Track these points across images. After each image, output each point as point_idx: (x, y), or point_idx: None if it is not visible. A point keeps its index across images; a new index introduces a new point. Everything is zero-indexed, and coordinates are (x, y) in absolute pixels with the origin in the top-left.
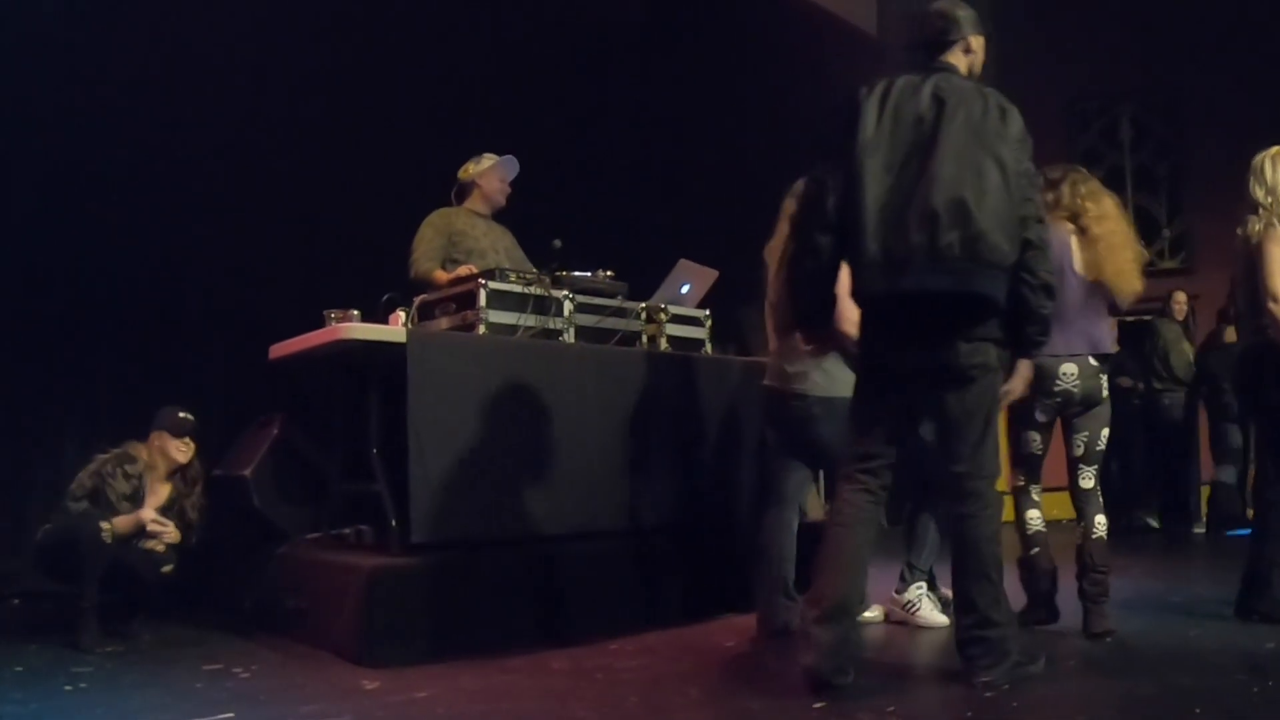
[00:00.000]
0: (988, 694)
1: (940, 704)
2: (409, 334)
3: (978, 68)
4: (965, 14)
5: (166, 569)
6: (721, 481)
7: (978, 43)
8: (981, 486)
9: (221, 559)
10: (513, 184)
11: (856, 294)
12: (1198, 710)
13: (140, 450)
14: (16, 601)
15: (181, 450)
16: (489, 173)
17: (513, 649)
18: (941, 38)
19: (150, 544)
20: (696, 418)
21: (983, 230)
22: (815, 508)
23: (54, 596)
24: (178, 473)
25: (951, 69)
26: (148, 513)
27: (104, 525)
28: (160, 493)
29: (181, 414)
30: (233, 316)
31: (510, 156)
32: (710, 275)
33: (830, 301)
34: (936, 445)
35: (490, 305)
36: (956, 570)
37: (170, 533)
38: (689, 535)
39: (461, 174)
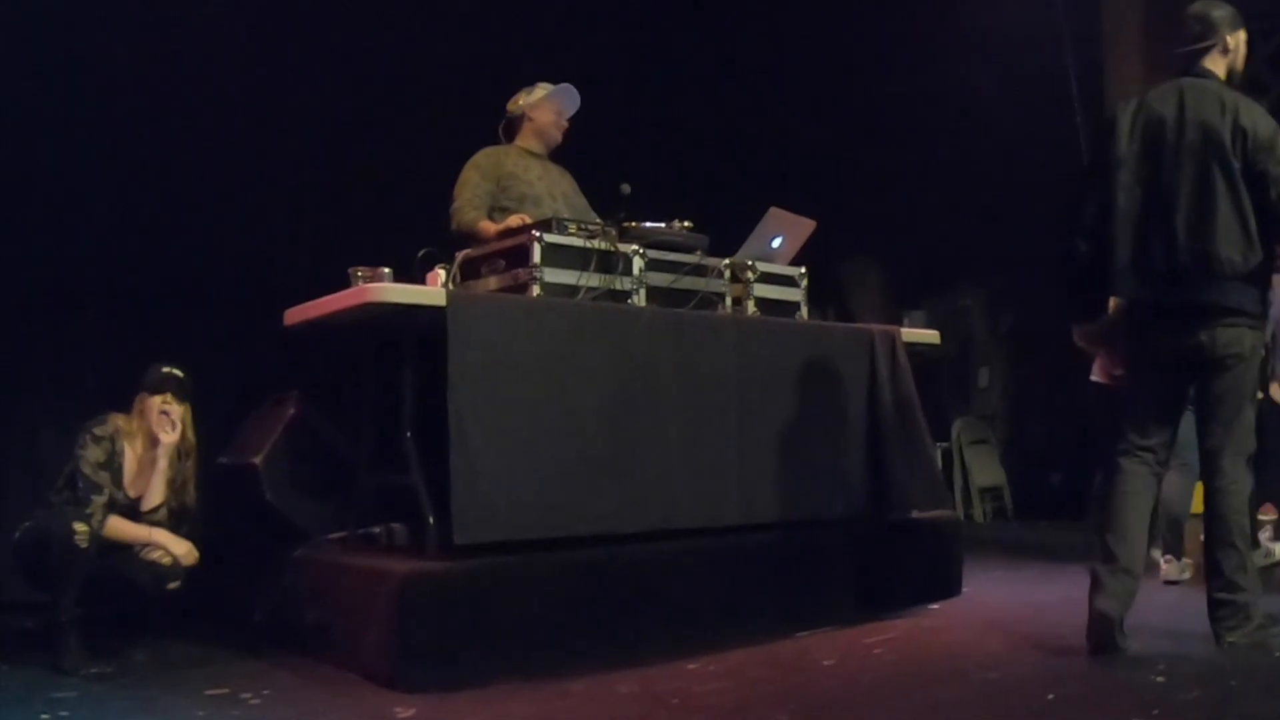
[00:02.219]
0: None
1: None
2: (450, 296)
3: (1239, 65)
4: (1221, 13)
5: (173, 585)
6: (823, 472)
7: (1236, 40)
8: (1233, 462)
9: (227, 562)
10: (573, 119)
11: (1115, 295)
12: None
13: (118, 417)
14: None
15: (164, 410)
16: (542, 104)
17: (572, 670)
18: (1198, 42)
19: (155, 554)
20: (791, 397)
21: (1213, 247)
22: None
23: (35, 608)
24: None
25: (1206, 74)
26: (160, 533)
27: (77, 526)
28: (148, 467)
29: (164, 369)
30: (240, 276)
31: (568, 86)
32: (806, 226)
33: (1096, 302)
34: (1196, 423)
35: (546, 262)
36: (1208, 539)
37: (185, 552)
38: (783, 535)
39: (510, 106)
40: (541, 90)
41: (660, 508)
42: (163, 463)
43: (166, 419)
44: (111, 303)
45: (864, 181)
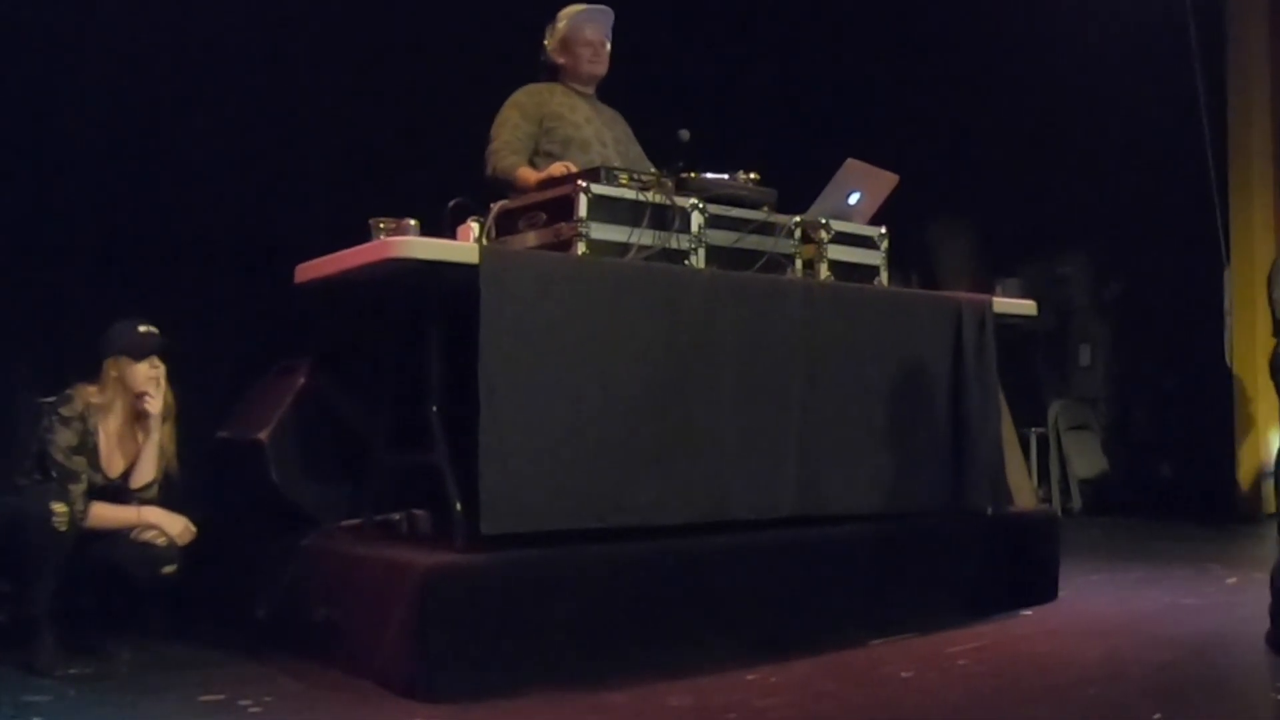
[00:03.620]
0: None
1: None
2: (483, 253)
3: None
4: None
5: (168, 569)
6: (899, 459)
7: None
8: None
9: (226, 552)
10: (626, 52)
11: None
12: None
13: (86, 390)
14: None
15: (153, 375)
16: (569, 39)
17: (615, 679)
18: None
19: (149, 534)
20: (864, 373)
21: None
22: (1026, 494)
23: (4, 600)
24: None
25: None
26: (152, 511)
27: (56, 507)
28: (127, 439)
29: (141, 327)
30: (244, 226)
31: (600, 6)
32: (888, 180)
33: None
34: None
35: (593, 216)
36: None
37: (181, 530)
38: (853, 530)
39: (546, 43)
40: (564, 21)
41: (714, 497)
42: (155, 434)
43: (155, 384)
44: (91, 255)
45: (953, 131)
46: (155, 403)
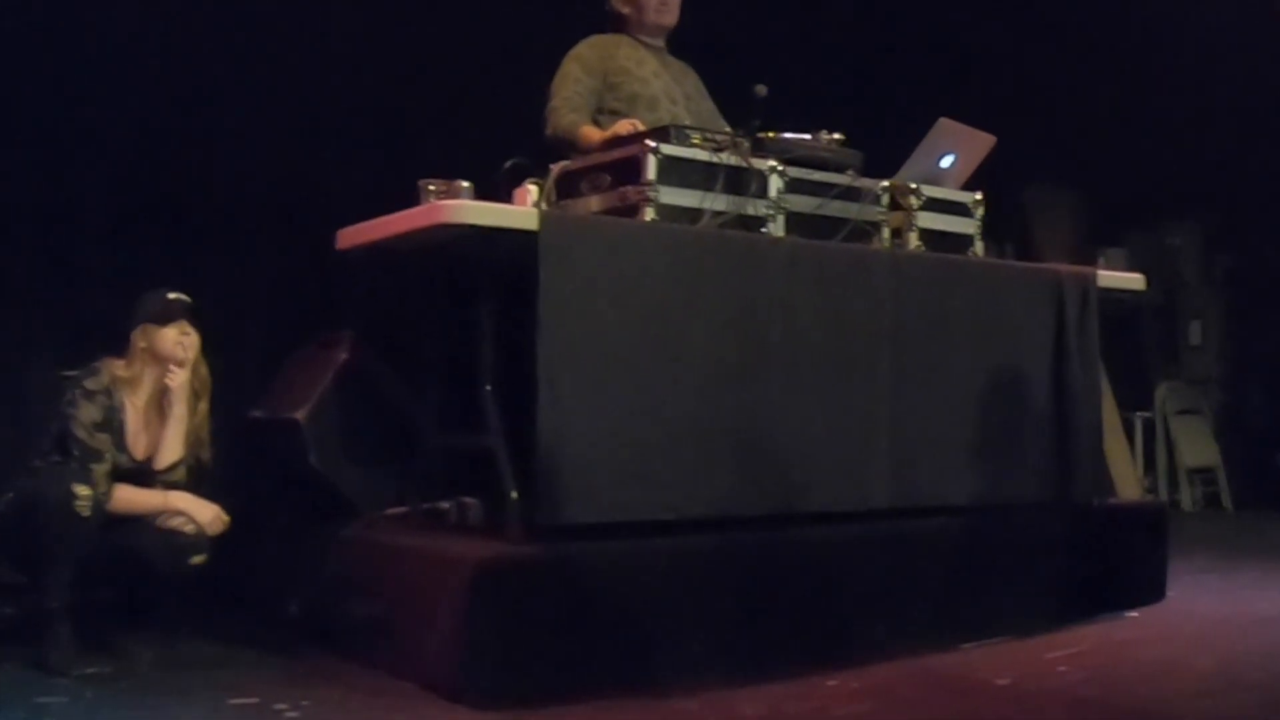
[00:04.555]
0: None
1: None
2: (543, 218)
3: None
4: None
5: (196, 560)
6: (995, 446)
7: None
8: None
9: (259, 542)
10: (698, 0)
11: None
12: None
13: (112, 363)
14: None
15: (182, 342)
16: None
17: (684, 685)
18: None
19: (176, 521)
20: (958, 351)
21: None
22: (1131, 485)
23: (17, 591)
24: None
25: None
26: (180, 497)
27: (78, 489)
28: (154, 419)
29: (169, 295)
30: (282, 189)
31: None
32: (984, 142)
33: None
34: None
35: (662, 179)
36: None
37: (212, 518)
38: (944, 523)
39: None
40: None
41: (795, 487)
42: (179, 408)
43: (186, 350)
44: (116, 222)
45: (1053, 88)
46: (178, 376)
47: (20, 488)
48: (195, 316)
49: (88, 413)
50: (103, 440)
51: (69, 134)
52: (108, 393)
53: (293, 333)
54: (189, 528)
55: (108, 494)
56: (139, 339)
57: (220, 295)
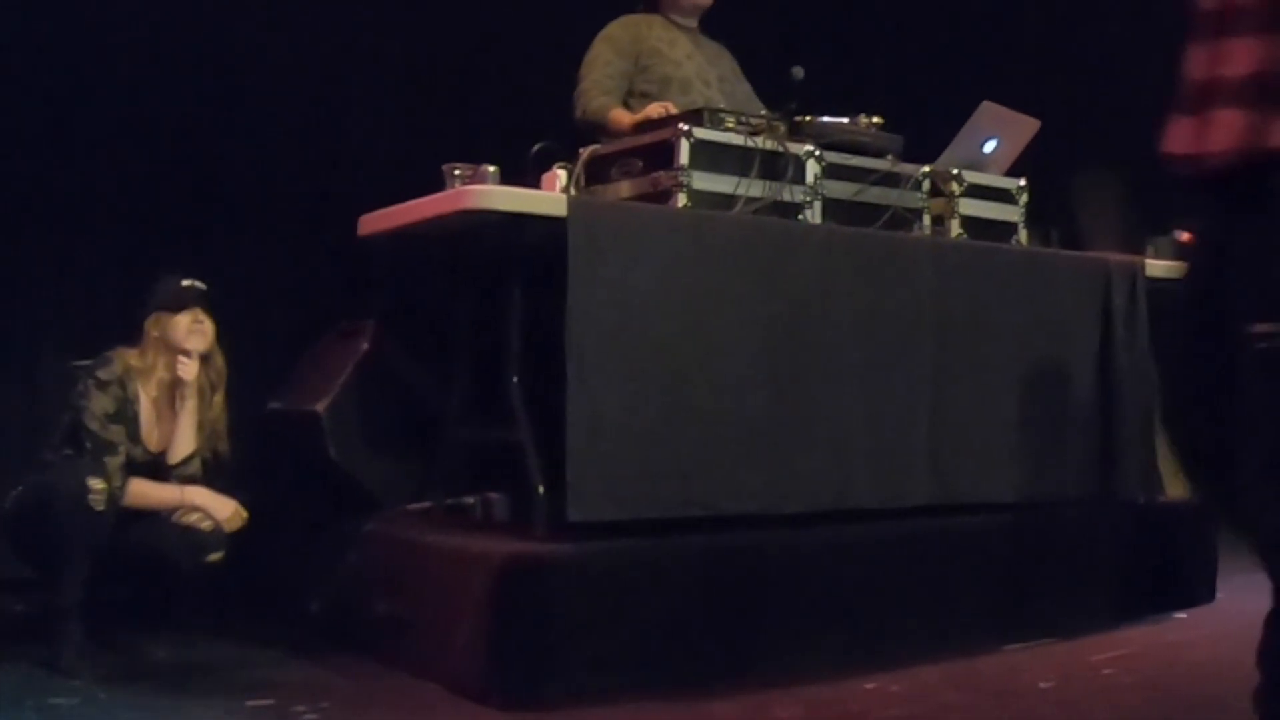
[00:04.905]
0: None
1: None
2: (572, 204)
3: None
4: None
5: (213, 558)
6: (1040, 441)
7: None
8: None
9: (277, 538)
10: None
11: None
12: None
13: (126, 353)
14: None
15: (195, 330)
16: None
17: (717, 686)
18: None
19: (193, 517)
20: (1002, 344)
21: None
22: (1179, 482)
23: (28, 588)
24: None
25: None
26: (196, 492)
27: (93, 483)
28: (167, 410)
29: (183, 281)
30: (300, 173)
31: None
32: (1029, 126)
33: None
34: None
35: (696, 164)
36: None
37: (230, 514)
38: (986, 521)
39: None
40: None
41: (834, 484)
42: (191, 400)
43: (201, 338)
44: (128, 206)
45: (1101, 70)
46: (189, 366)
47: (31, 481)
48: (210, 304)
49: (100, 404)
50: (116, 432)
51: (81, 117)
52: (121, 383)
53: (313, 322)
54: (205, 524)
55: (122, 488)
56: (152, 328)
57: (237, 283)
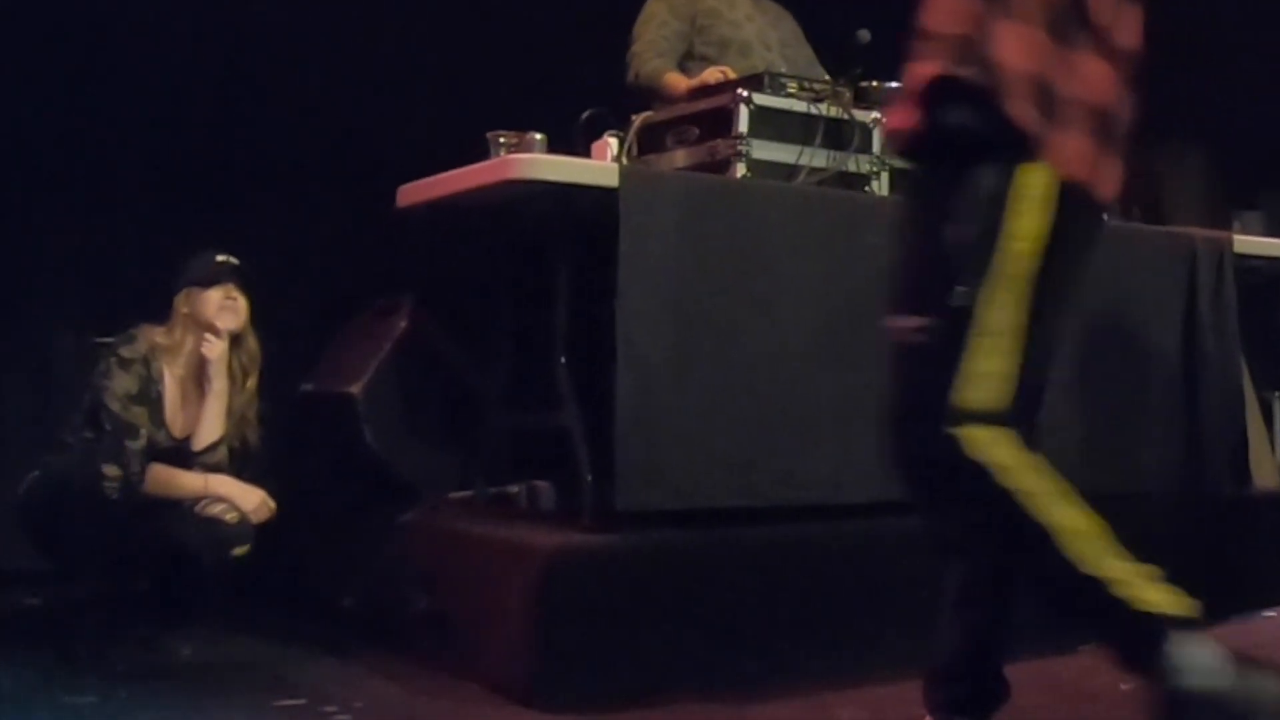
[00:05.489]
0: None
1: None
2: (624, 174)
3: None
4: None
5: (239, 551)
6: (1121, 428)
7: None
8: None
9: (308, 529)
10: None
11: None
12: None
13: (152, 330)
14: None
15: (227, 306)
16: None
17: (775, 687)
18: None
19: (217, 509)
20: (1080, 323)
21: None
22: (1269, 471)
23: (43, 581)
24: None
25: None
26: (221, 481)
27: (108, 470)
28: (194, 394)
29: (218, 257)
30: (334, 139)
31: None
32: None
33: None
34: None
35: (755, 131)
36: None
37: (257, 505)
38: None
39: None
40: None
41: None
42: (218, 382)
43: (233, 315)
44: (153, 175)
45: (1186, 37)
46: (216, 345)
47: (46, 466)
48: (246, 281)
49: (122, 383)
50: (138, 414)
51: (101, 77)
52: (145, 362)
53: (347, 299)
54: (231, 515)
55: (141, 474)
56: (181, 304)
57: (267, 257)
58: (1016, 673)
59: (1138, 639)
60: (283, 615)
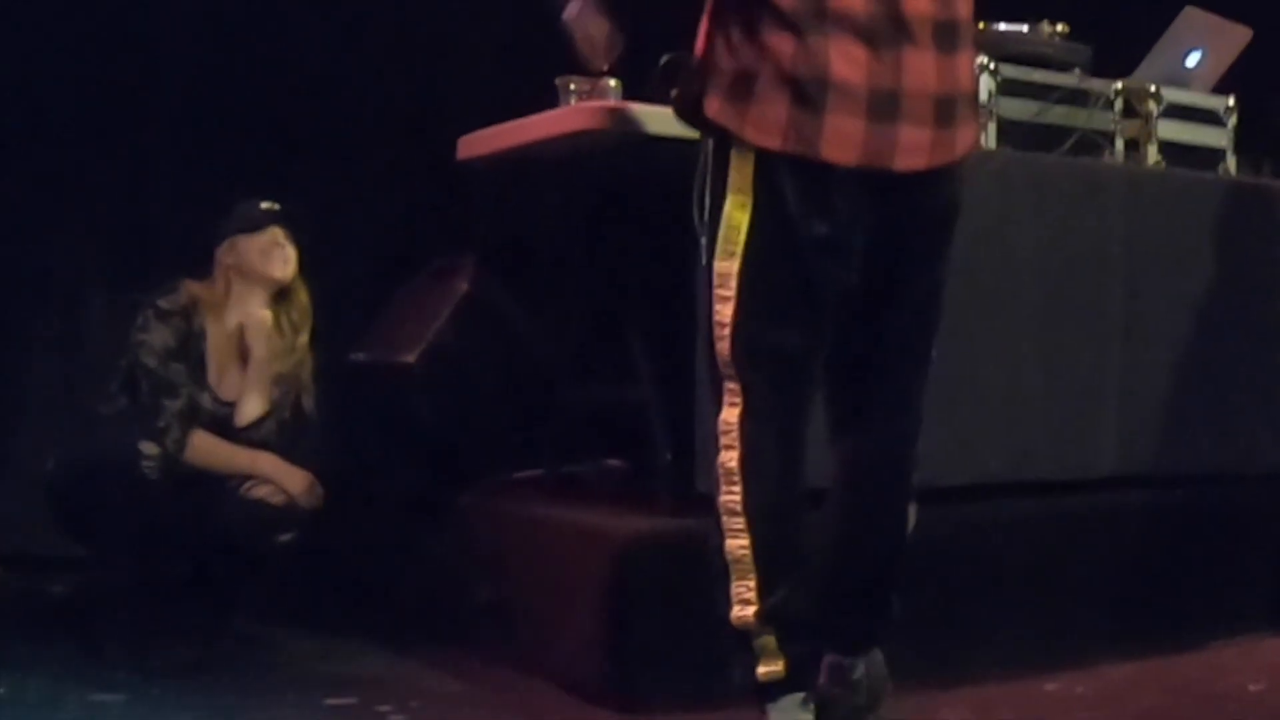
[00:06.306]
0: None
1: None
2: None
3: None
4: None
5: (284, 537)
6: (1248, 405)
7: None
8: None
9: (359, 512)
10: None
11: None
12: None
13: (195, 285)
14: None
15: (276, 253)
16: None
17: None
18: None
19: (262, 490)
20: (1204, 289)
21: None
22: None
23: (73, 567)
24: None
25: None
26: (268, 459)
27: (145, 448)
28: (236, 357)
29: (263, 204)
30: (388, 86)
31: None
32: (1239, 36)
33: None
34: None
35: None
36: None
37: (305, 488)
38: (1185, 496)
39: None
40: None
41: (1009, 453)
42: (259, 347)
43: (282, 264)
44: (192, 123)
45: None
46: (254, 313)
47: (76, 440)
48: (294, 228)
49: (160, 337)
50: (177, 372)
51: (137, 11)
52: (185, 314)
53: (403, 260)
54: (277, 499)
55: (182, 441)
56: (225, 254)
57: (315, 213)
58: (1134, 672)
59: None
60: (332, 606)
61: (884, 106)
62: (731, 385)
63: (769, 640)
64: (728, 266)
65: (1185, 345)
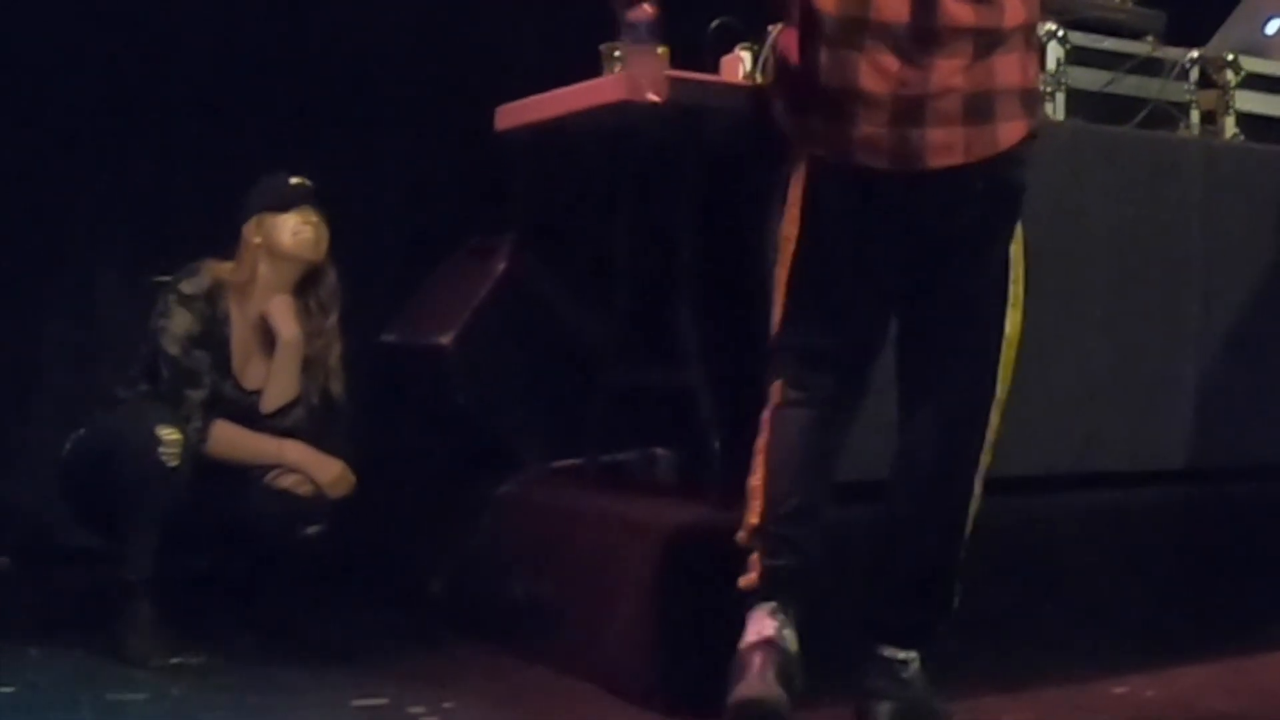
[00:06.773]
0: None
1: None
2: (758, 94)
3: None
4: None
5: (312, 529)
6: None
7: None
8: None
9: (391, 503)
10: None
11: None
12: None
13: (219, 267)
14: (6, 561)
15: (304, 232)
16: None
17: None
18: None
19: (289, 480)
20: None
21: None
22: None
23: (89, 559)
24: (302, 295)
25: None
26: (295, 448)
27: (164, 434)
28: (262, 343)
29: (291, 179)
30: (426, 56)
31: None
32: None
33: None
34: None
35: None
36: None
37: (335, 478)
38: (1257, 489)
39: None
40: None
41: (1072, 442)
42: (286, 329)
43: (311, 243)
44: (214, 95)
45: None
46: (275, 298)
47: (93, 425)
48: (324, 206)
49: (183, 322)
50: (199, 359)
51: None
52: (208, 299)
53: (438, 237)
54: (305, 489)
55: (204, 430)
56: (252, 233)
57: (346, 188)
58: (1207, 675)
59: None
60: (362, 602)
61: (910, 112)
62: (775, 382)
63: (755, 557)
64: (780, 272)
65: (1266, 330)
